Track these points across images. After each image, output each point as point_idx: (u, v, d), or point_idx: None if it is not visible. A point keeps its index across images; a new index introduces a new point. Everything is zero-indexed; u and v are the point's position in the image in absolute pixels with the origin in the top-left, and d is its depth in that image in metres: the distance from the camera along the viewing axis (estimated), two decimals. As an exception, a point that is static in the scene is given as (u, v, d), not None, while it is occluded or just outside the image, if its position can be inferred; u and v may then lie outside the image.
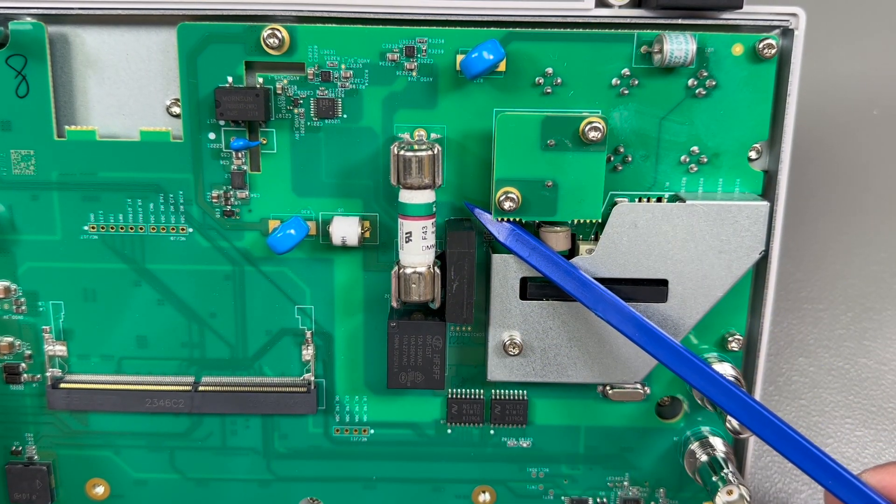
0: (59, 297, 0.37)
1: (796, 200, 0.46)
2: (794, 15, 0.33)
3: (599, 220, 0.34)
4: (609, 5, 0.33)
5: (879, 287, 0.47)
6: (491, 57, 0.32)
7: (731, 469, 0.35)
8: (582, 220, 0.34)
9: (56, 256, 0.36)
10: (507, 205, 0.33)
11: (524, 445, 0.39)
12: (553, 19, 0.33)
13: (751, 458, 0.38)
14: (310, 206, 0.35)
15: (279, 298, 0.37)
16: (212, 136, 0.34)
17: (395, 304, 0.34)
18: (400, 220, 0.33)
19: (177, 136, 0.35)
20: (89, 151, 0.35)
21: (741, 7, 0.33)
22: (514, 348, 0.35)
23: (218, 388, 0.37)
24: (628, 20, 0.33)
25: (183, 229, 0.36)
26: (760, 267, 0.36)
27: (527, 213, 0.33)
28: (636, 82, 0.34)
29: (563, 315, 0.35)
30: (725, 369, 0.36)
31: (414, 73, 0.34)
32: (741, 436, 0.35)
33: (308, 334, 0.37)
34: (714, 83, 0.34)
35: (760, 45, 0.33)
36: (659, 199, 0.35)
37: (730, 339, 0.37)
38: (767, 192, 0.35)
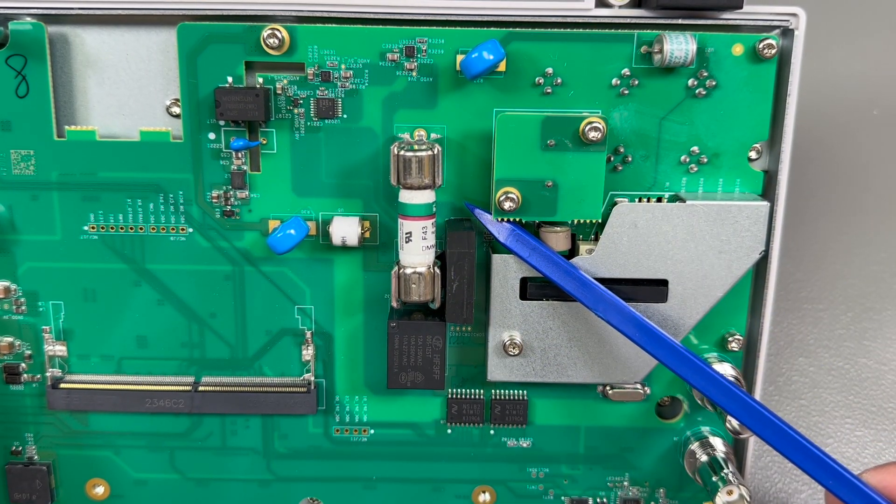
0: (59, 298, 0.37)
1: (796, 200, 0.46)
2: (794, 15, 0.33)
3: (599, 221, 0.34)
4: (609, 5, 0.33)
5: (879, 287, 0.47)
6: (491, 57, 0.32)
7: (731, 469, 0.35)
8: (582, 221, 0.34)
9: (56, 256, 0.36)
10: (507, 205, 0.33)
11: (524, 445, 0.39)
12: (553, 19, 0.33)
13: (751, 459, 0.38)
14: (310, 207, 0.35)
15: (279, 298, 0.37)
16: (212, 136, 0.34)
17: (395, 304, 0.34)
18: (400, 220, 0.33)
19: (177, 136, 0.35)
20: (89, 151, 0.35)
21: (741, 7, 0.33)
22: (514, 348, 0.35)
23: (218, 389, 0.37)
24: (628, 20, 0.33)
25: (183, 229, 0.36)
26: (760, 267, 0.36)
27: (527, 214, 0.33)
28: (636, 82, 0.34)
29: (563, 315, 0.35)
30: (725, 369, 0.36)
31: (414, 74, 0.34)
32: (741, 436, 0.35)
33: (308, 334, 0.37)
34: (714, 83, 0.34)
35: (760, 46, 0.33)
36: (659, 200, 0.35)
37: (730, 339, 0.37)
38: (767, 192, 0.35)
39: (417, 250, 0.33)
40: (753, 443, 0.38)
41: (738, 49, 0.33)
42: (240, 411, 0.37)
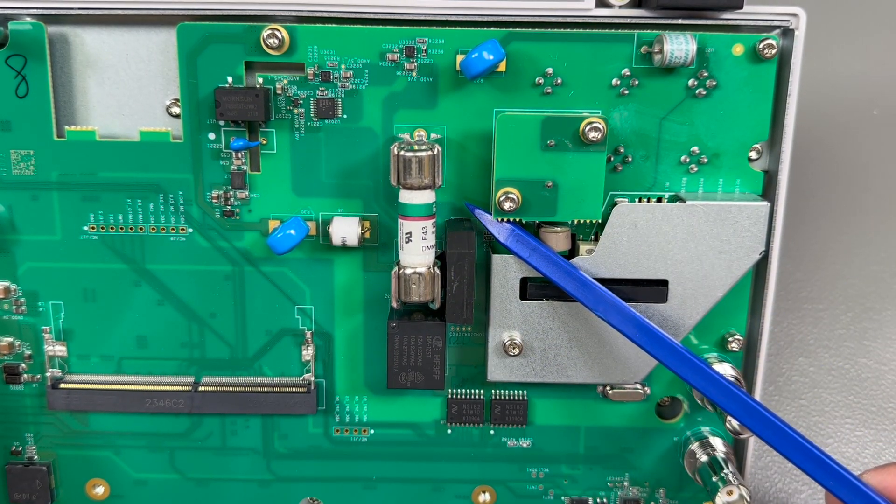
0: (58, 298, 0.37)
1: (796, 200, 0.46)
2: (794, 15, 0.33)
3: (599, 221, 0.34)
4: (609, 5, 0.33)
5: (879, 287, 0.47)
6: (491, 57, 0.32)
7: (731, 469, 0.35)
8: (582, 221, 0.34)
9: (56, 256, 0.36)
10: (507, 205, 0.33)
11: (524, 445, 0.39)
12: (553, 19, 0.33)
13: (751, 459, 0.38)
14: (310, 207, 0.35)
15: (279, 299, 0.37)
16: (212, 136, 0.34)
17: (395, 304, 0.34)
18: (400, 220, 0.33)
19: (177, 136, 0.35)
20: (89, 151, 0.35)
21: (741, 7, 0.33)
22: (514, 348, 0.35)
23: (218, 389, 0.37)
24: (628, 20, 0.33)
25: (183, 229, 0.36)
26: (760, 267, 0.36)
27: (527, 214, 0.33)
28: (636, 82, 0.34)
29: (563, 315, 0.35)
30: (725, 369, 0.36)
31: (414, 74, 0.34)
32: (741, 436, 0.35)
33: (308, 334, 0.37)
34: (714, 83, 0.34)
35: (761, 46, 0.33)
36: (659, 200, 0.35)
37: (730, 339, 0.37)
38: (767, 192, 0.35)
39: (417, 250, 0.33)
40: (753, 443, 0.38)
41: (738, 49, 0.33)
42: (240, 411, 0.37)
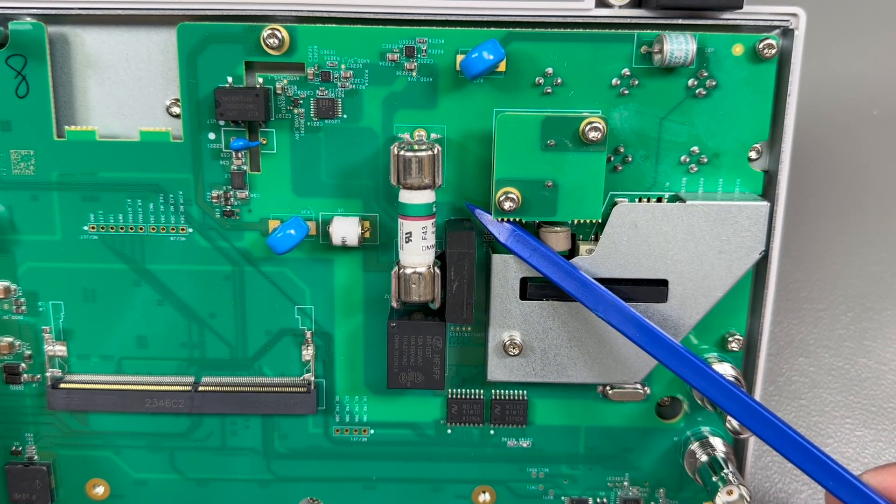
0: (58, 298, 0.37)
1: (796, 200, 0.46)
2: (794, 15, 0.33)
3: (599, 221, 0.34)
4: (609, 5, 0.33)
5: (879, 287, 0.47)
6: (491, 57, 0.32)
7: (731, 469, 0.35)
8: (582, 221, 0.34)
9: (56, 256, 0.36)
10: (507, 205, 0.33)
11: (524, 445, 0.39)
12: (553, 19, 0.33)
13: (751, 459, 0.38)
14: (310, 207, 0.35)
15: (279, 299, 0.37)
16: (212, 136, 0.34)
17: (395, 304, 0.34)
18: (400, 220, 0.33)
19: (177, 136, 0.35)
20: (89, 151, 0.35)
21: (741, 7, 0.33)
22: (514, 348, 0.35)
23: (218, 389, 0.37)
24: (628, 20, 0.33)
25: (183, 229, 0.36)
26: (760, 267, 0.36)
27: (527, 214, 0.33)
28: (636, 82, 0.34)
29: (563, 315, 0.35)
30: (725, 369, 0.36)
31: (414, 74, 0.34)
32: (741, 436, 0.35)
33: (308, 334, 0.37)
34: (714, 83, 0.34)
35: (760, 46, 0.33)
36: (659, 200, 0.35)
37: (730, 339, 0.37)
38: (767, 192, 0.35)
39: (417, 250, 0.33)
40: (753, 443, 0.38)
41: (738, 49, 0.33)
42: (240, 411, 0.37)
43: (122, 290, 0.36)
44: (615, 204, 0.34)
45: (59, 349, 0.37)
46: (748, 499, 0.34)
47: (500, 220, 0.34)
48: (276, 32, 0.33)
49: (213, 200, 0.35)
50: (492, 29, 0.33)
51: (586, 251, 0.34)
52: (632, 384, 0.37)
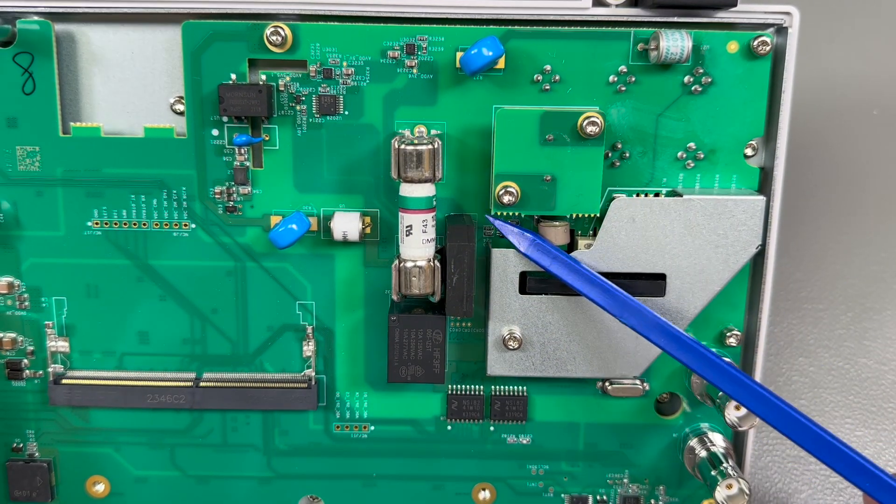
0: (62, 293, 0.37)
1: (796, 200, 0.47)
2: (787, 13, 0.34)
3: (598, 215, 0.34)
4: (606, 4, 0.34)
5: (879, 287, 0.48)
6: (490, 53, 0.33)
7: (730, 464, 0.35)
8: (580, 215, 0.34)
9: (59, 252, 0.36)
10: (506, 199, 0.33)
11: (524, 442, 0.39)
12: (551, 17, 0.34)
13: (750, 458, 0.38)
14: (311, 202, 0.36)
15: (280, 294, 0.37)
16: (215, 132, 0.35)
17: (395, 297, 0.34)
18: (400, 213, 0.33)
19: (180, 132, 0.35)
20: (94, 148, 0.35)
21: (736, 5, 0.33)
22: (513, 342, 0.35)
23: (219, 384, 0.37)
24: (625, 18, 0.34)
25: (186, 225, 0.36)
26: (758, 263, 0.36)
27: (526, 208, 0.34)
28: (633, 79, 0.34)
29: (563, 309, 0.35)
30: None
31: (414, 71, 0.34)
32: (740, 428, 0.35)
33: (309, 330, 0.37)
34: (710, 80, 0.34)
35: (755, 43, 0.34)
36: (656, 195, 0.35)
37: (728, 334, 0.37)
38: (763, 188, 0.35)
39: (418, 243, 0.33)
40: (753, 438, 0.38)
41: (732, 46, 0.34)
42: (240, 407, 0.37)
43: (124, 286, 0.37)
44: (613, 199, 0.34)
45: (62, 345, 0.37)
46: (748, 492, 0.34)
47: (497, 214, 0.34)
48: (279, 30, 0.33)
49: (216, 196, 0.36)
50: (491, 27, 0.34)
51: (584, 246, 0.35)
52: (631, 379, 0.37)
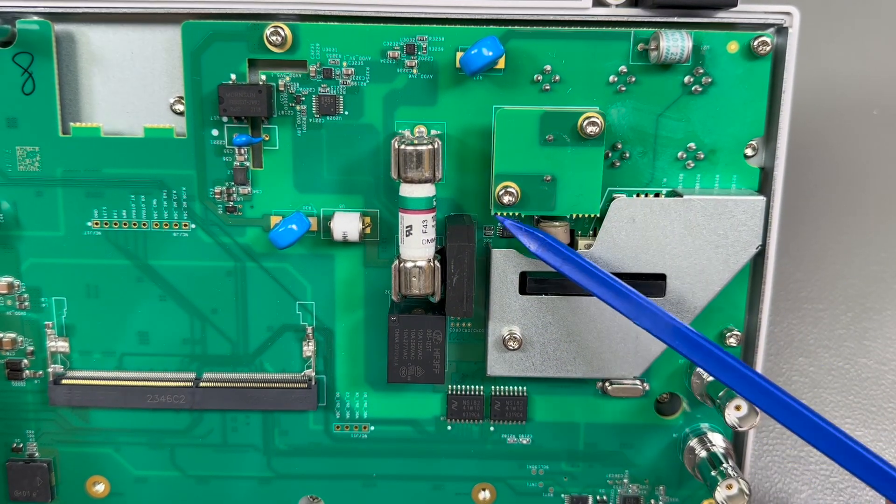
0: (61, 294, 0.37)
1: (796, 200, 0.47)
2: (787, 13, 0.34)
3: (598, 215, 0.34)
4: (606, 4, 0.34)
5: (879, 287, 0.48)
6: (490, 53, 0.33)
7: (730, 464, 0.35)
8: (581, 215, 0.34)
9: (59, 253, 0.36)
10: (506, 199, 0.33)
11: (524, 442, 0.39)
12: (551, 17, 0.34)
13: (750, 458, 0.38)
14: (311, 202, 0.36)
15: (280, 294, 0.37)
16: (215, 132, 0.35)
17: (395, 297, 0.34)
18: (400, 213, 0.33)
19: (180, 132, 0.35)
20: (94, 148, 0.35)
21: (736, 5, 0.33)
22: (513, 342, 0.35)
23: (219, 384, 0.37)
24: (625, 18, 0.34)
25: (185, 225, 0.36)
26: (758, 263, 0.36)
27: (526, 208, 0.34)
28: (633, 79, 0.34)
29: (563, 310, 0.35)
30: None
31: (414, 71, 0.34)
32: (741, 428, 0.35)
33: (309, 330, 0.37)
34: (710, 80, 0.34)
35: (755, 43, 0.34)
36: (657, 195, 0.35)
37: (728, 334, 0.37)
38: (764, 188, 0.35)
39: (418, 244, 0.33)
40: (753, 439, 0.38)
41: (733, 47, 0.34)
42: (240, 407, 0.37)
43: (124, 286, 0.37)
44: (613, 199, 0.34)
45: (62, 345, 0.37)
46: (748, 492, 0.34)
47: (500, 213, 0.34)
48: (279, 30, 0.33)
49: (216, 196, 0.36)
50: (491, 27, 0.34)
51: (584, 246, 0.35)
52: (631, 379, 0.37)
